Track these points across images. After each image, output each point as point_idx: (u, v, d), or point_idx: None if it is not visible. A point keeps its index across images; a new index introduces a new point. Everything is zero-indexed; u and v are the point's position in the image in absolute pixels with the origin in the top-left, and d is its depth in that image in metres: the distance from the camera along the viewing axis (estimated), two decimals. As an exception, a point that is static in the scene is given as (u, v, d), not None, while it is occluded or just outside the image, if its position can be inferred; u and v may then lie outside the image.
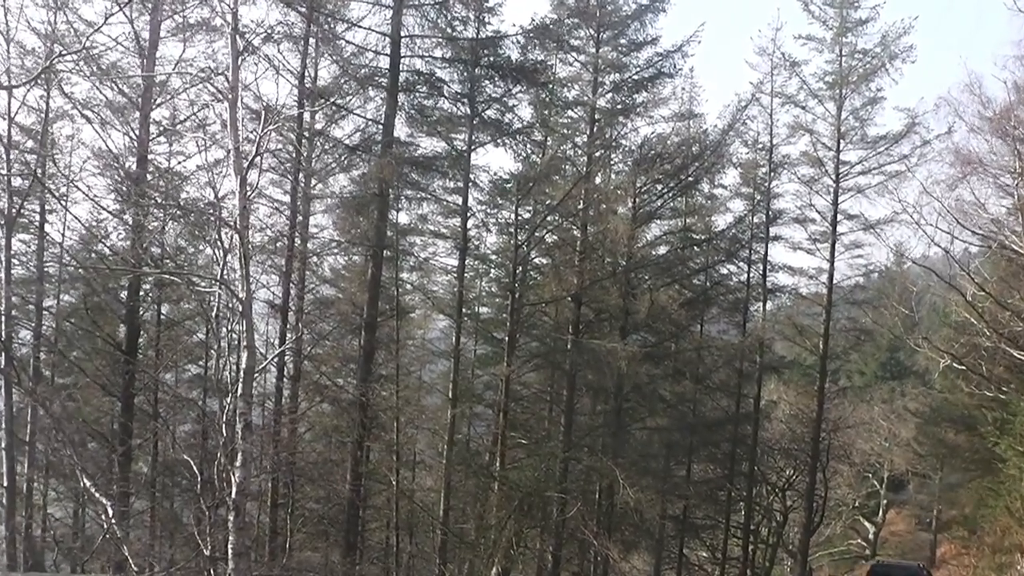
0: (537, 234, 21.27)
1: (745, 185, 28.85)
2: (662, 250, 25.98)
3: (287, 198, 20.17)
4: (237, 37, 10.63)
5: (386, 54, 17.61)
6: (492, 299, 27.28)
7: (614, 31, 21.89)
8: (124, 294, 18.91)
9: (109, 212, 18.87)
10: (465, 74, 18.98)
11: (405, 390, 22.73)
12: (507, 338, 20.49)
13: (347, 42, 18.16)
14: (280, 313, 19.43)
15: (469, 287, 24.49)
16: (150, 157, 17.92)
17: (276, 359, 17.70)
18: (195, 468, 11.61)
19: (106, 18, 13.00)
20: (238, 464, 9.87)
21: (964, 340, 23.49)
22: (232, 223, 10.28)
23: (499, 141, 20.11)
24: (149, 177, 17.80)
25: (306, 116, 18.48)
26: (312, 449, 20.67)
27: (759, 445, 29.10)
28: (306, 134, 19.05)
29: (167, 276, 16.42)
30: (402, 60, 17.63)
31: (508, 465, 21.06)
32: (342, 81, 18.39)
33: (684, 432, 26.07)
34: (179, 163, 20.55)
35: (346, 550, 18.56)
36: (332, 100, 18.39)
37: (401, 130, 18.96)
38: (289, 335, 19.06)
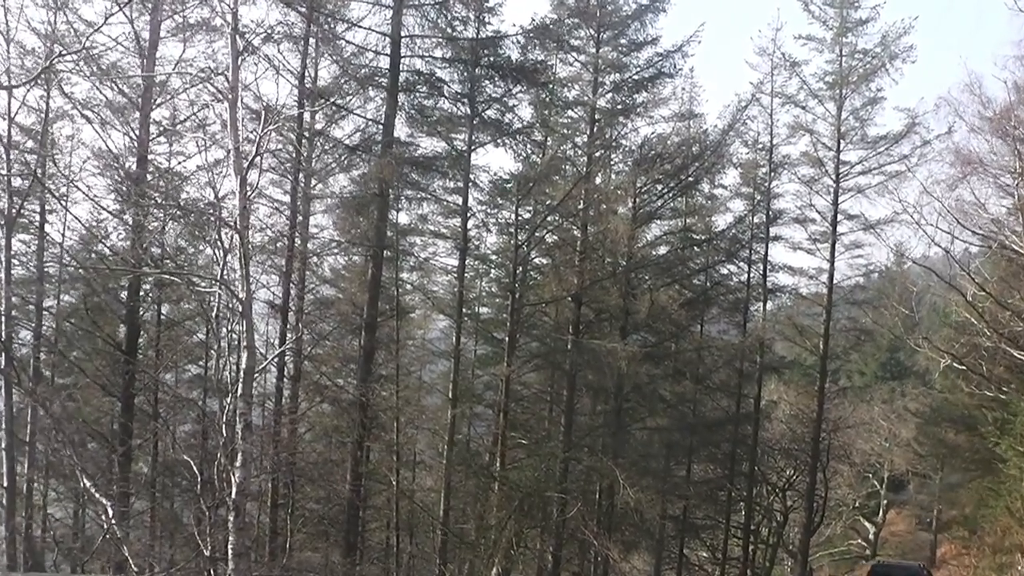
0: (537, 234, 21.27)
1: (745, 185, 28.86)
2: (662, 250, 25.99)
3: (287, 198, 20.18)
4: (237, 37, 10.63)
5: (386, 54, 17.61)
6: (492, 299, 27.29)
7: (614, 31, 21.88)
8: (124, 294, 18.90)
9: (109, 212, 18.87)
10: (465, 74, 18.97)
11: (405, 390, 22.73)
12: (507, 338, 20.49)
13: (347, 42, 18.16)
14: (280, 313, 19.42)
15: (469, 287, 24.48)
16: (150, 157, 17.92)
17: (276, 359, 17.69)
18: (195, 468, 11.60)
19: (106, 18, 13.00)
20: (238, 464, 9.86)
21: (964, 340, 23.48)
22: (232, 223, 10.27)
23: (499, 141, 20.10)
24: (149, 177, 17.79)
25: (306, 116, 18.47)
26: (312, 449, 20.66)
27: (759, 445, 29.10)
28: (306, 134, 19.04)
29: (167, 276, 16.42)
30: (402, 60, 17.63)
31: (508, 465, 21.06)
32: (342, 81, 18.39)
33: (684, 432, 26.07)
34: (179, 163, 20.58)
35: (346, 550, 18.55)
36: (332, 100, 18.39)
37: (401, 130, 18.99)
38: (289, 335, 19.05)
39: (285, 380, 19.39)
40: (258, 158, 10.66)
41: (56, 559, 18.84)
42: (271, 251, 19.54)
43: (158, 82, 16.44)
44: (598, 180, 23.08)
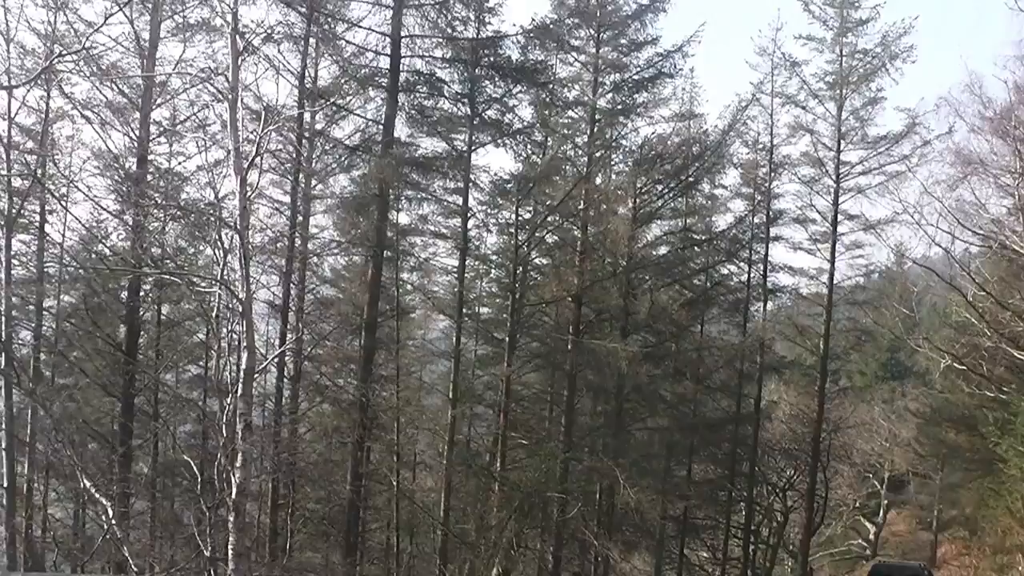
0: (537, 234, 21.26)
1: (745, 185, 28.84)
2: (662, 250, 25.97)
3: (287, 198, 20.17)
4: (237, 37, 10.64)
5: (386, 54, 17.60)
6: (492, 299, 27.26)
7: (614, 31, 21.86)
8: (124, 294, 18.92)
9: (109, 212, 18.89)
10: (465, 74, 18.95)
11: (405, 390, 22.71)
12: (507, 338, 20.48)
13: (347, 42, 18.14)
14: (280, 313, 19.41)
15: (469, 287, 24.46)
16: (150, 157, 17.93)
17: (276, 359, 17.68)
18: (195, 469, 11.63)
19: (106, 18, 13.03)
20: (238, 465, 9.87)
21: (965, 340, 23.47)
22: (232, 223, 10.28)
23: (499, 141, 20.08)
24: (149, 177, 17.82)
25: (306, 116, 18.47)
26: (312, 450, 20.65)
27: (760, 445, 29.08)
28: (306, 134, 19.04)
29: (167, 276, 16.42)
30: (402, 60, 17.61)
31: (509, 466, 21.06)
32: (342, 81, 18.36)
33: (685, 432, 26.06)
34: (179, 163, 20.57)
35: (346, 551, 18.54)
36: (332, 100, 18.36)
37: (401, 130, 18.96)
38: (289, 335, 19.04)
39: (285, 380, 19.38)
40: (258, 158, 10.67)
41: (56, 559, 18.84)
42: (271, 251, 19.52)
43: (158, 82, 16.45)
44: (598, 180, 23.07)
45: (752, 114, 26.66)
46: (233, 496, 9.79)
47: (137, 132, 16.65)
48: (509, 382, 20.68)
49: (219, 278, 10.48)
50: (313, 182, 20.27)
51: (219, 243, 10.55)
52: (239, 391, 10.02)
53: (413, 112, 19.03)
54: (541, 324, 23.43)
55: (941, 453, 35.56)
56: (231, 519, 9.88)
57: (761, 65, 26.92)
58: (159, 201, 16.97)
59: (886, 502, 41.79)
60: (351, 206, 19.74)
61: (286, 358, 19.04)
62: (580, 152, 22.28)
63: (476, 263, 24.28)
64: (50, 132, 18.24)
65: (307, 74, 18.39)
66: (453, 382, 20.80)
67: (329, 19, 18.04)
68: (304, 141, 18.97)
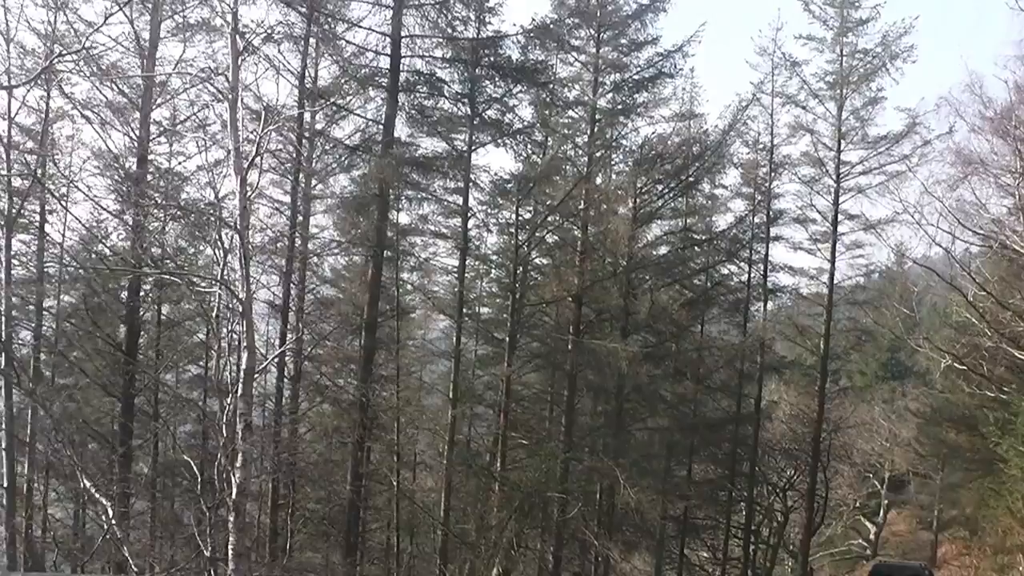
0: (538, 234, 21.26)
1: (746, 185, 28.84)
2: (663, 250, 25.97)
3: (287, 198, 20.17)
4: (237, 37, 10.63)
5: (386, 54, 17.59)
6: (493, 299, 27.26)
7: (614, 31, 21.85)
8: (124, 294, 18.91)
9: (109, 212, 18.88)
10: (465, 74, 18.94)
11: (406, 391, 22.70)
12: (508, 338, 20.47)
13: (347, 42, 18.13)
14: (280, 313, 19.41)
15: (470, 287, 24.46)
16: (150, 157, 17.93)
17: (276, 359, 17.67)
18: (195, 469, 11.63)
19: (106, 18, 13.02)
20: (238, 465, 9.86)
21: (965, 340, 23.46)
22: (232, 223, 10.28)
23: (500, 141, 20.08)
24: (149, 177, 17.81)
25: (306, 116, 18.46)
26: (313, 450, 20.64)
27: (760, 445, 29.07)
28: (306, 134, 19.03)
29: (167, 276, 16.41)
30: (402, 60, 17.60)
31: (509, 466, 21.05)
32: (342, 81, 18.36)
33: (685, 432, 26.06)
34: (179, 163, 20.57)
35: (347, 551, 18.54)
36: (332, 100, 18.36)
37: (401, 130, 18.95)
38: (289, 335, 19.04)
39: (285, 380, 19.38)
40: (258, 158, 10.67)
41: (56, 559, 18.83)
42: (271, 251, 19.52)
43: (158, 82, 16.44)
44: (598, 180, 23.07)
45: (752, 114, 26.72)
46: (233, 496, 9.79)
47: (137, 132, 16.64)
48: (509, 382, 20.67)
49: (219, 278, 10.48)
50: (313, 182, 20.27)
51: (219, 243, 10.55)
52: (239, 391, 10.02)
53: (413, 112, 19.03)
54: (541, 324, 23.43)
55: (941, 453, 35.55)
56: (231, 519, 9.87)
57: (761, 65, 26.97)
58: (159, 201, 16.97)
59: (886, 502, 41.77)
60: (351, 206, 19.73)
61: (286, 358, 19.04)
62: (580, 152, 22.27)
63: (476, 263, 24.28)
64: (50, 132, 18.24)
65: (307, 74, 18.40)
66: (453, 382, 20.80)
67: (329, 19, 18.04)
68: (304, 141, 18.97)
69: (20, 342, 19.02)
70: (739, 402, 28.53)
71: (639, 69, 22.10)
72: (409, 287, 25.06)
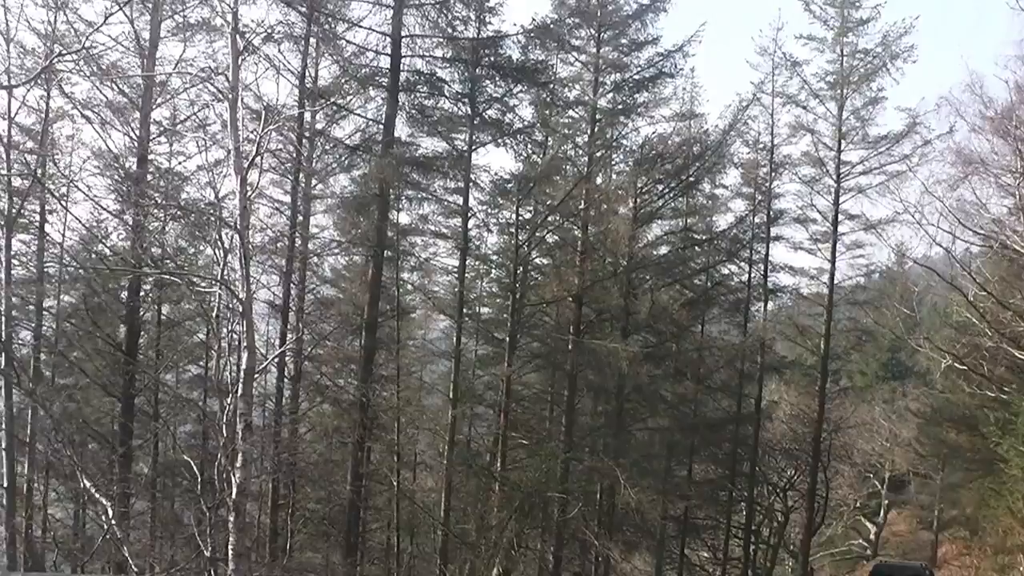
0: (538, 234, 21.25)
1: (746, 185, 28.83)
2: (663, 250, 25.95)
3: (287, 198, 20.17)
4: (237, 37, 10.63)
5: (387, 54, 17.58)
6: (493, 299, 27.25)
7: (615, 31, 21.85)
8: (124, 294, 18.90)
9: (109, 212, 18.87)
10: (466, 74, 18.93)
11: (406, 391, 22.69)
12: (508, 338, 20.46)
13: (348, 42, 18.13)
14: (280, 313, 19.40)
15: (470, 287, 24.45)
16: (150, 157, 17.92)
17: (276, 359, 17.67)
18: (195, 469, 11.62)
19: (106, 18, 12.99)
20: (238, 465, 9.85)
21: (965, 340, 23.45)
22: (232, 223, 10.27)
23: (500, 141, 20.07)
24: (149, 177, 17.81)
25: (306, 116, 18.46)
26: (313, 450, 20.63)
27: (760, 445, 29.06)
28: (306, 134, 19.02)
29: (167, 276, 16.40)
30: (403, 60, 17.60)
31: (509, 466, 21.04)
32: (343, 81, 18.35)
33: (685, 432, 26.04)
34: (179, 163, 20.57)
35: (347, 551, 18.53)
36: (332, 100, 18.35)
37: (402, 130, 18.94)
38: (289, 335, 19.03)
39: (285, 380, 19.37)
40: (258, 158, 10.66)
41: (56, 559, 18.83)
42: (271, 251, 19.52)
43: (158, 82, 16.44)
44: (599, 180, 23.07)
45: (753, 114, 26.73)
46: (233, 496, 9.78)
47: (137, 132, 16.64)
48: (509, 382, 20.66)
49: (219, 278, 10.47)
50: (313, 182, 20.26)
51: (219, 243, 10.55)
52: (239, 391, 10.01)
53: (413, 112, 19.02)
54: (542, 324, 23.42)
55: (942, 453, 35.55)
56: (231, 519, 9.87)
57: (762, 65, 26.97)
58: (159, 201, 16.96)
59: (887, 502, 41.77)
60: (351, 206, 19.72)
61: (286, 358, 19.03)
62: (581, 152, 22.27)
63: (476, 263, 24.27)
64: (50, 132, 18.23)
65: (307, 74, 18.39)
66: (453, 382, 20.79)
67: (329, 19, 18.03)
68: (304, 141, 18.96)
69: (20, 342, 19.01)
70: (739, 402, 28.53)
71: (639, 69, 22.10)
72: (409, 287, 25.06)
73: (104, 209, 18.84)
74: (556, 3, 21.26)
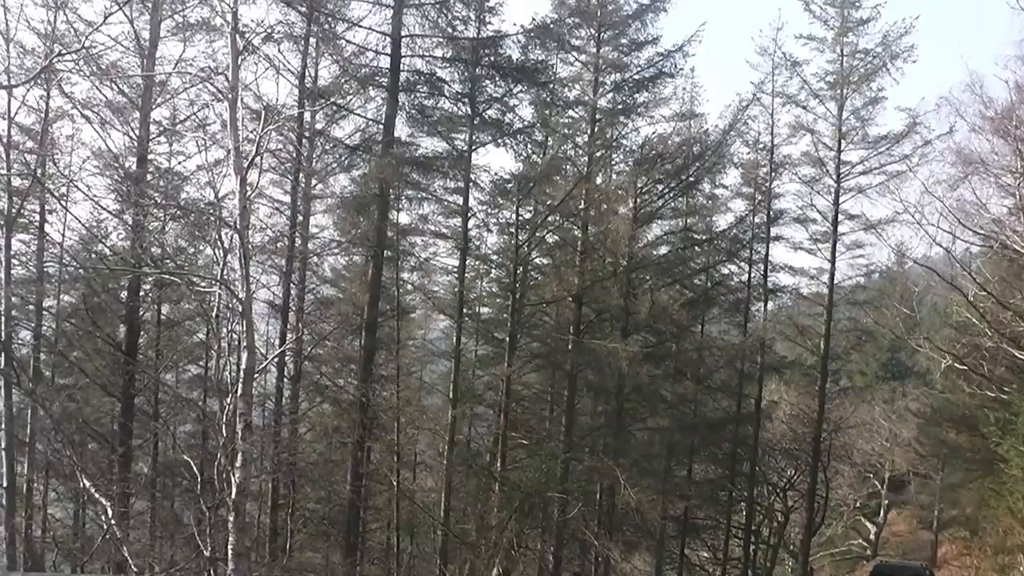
0: (538, 234, 21.24)
1: (746, 185, 28.83)
2: (663, 250, 25.96)
3: (287, 198, 20.16)
4: (237, 37, 10.62)
5: (387, 54, 17.57)
6: (493, 299, 27.25)
7: (615, 31, 21.84)
8: (124, 294, 18.90)
9: (109, 212, 18.87)
10: (466, 74, 18.93)
11: (406, 391, 22.68)
12: (508, 338, 20.46)
13: (347, 42, 18.12)
14: (280, 313, 19.39)
15: (470, 287, 24.44)
16: (150, 157, 17.93)
17: (276, 359, 17.67)
18: (195, 469, 11.62)
19: (105, 17, 12.97)
20: (238, 465, 9.85)
21: (966, 340, 23.46)
22: (232, 223, 10.27)
23: (500, 141, 20.06)
24: (149, 177, 17.81)
25: (306, 116, 18.45)
26: (313, 450, 20.63)
27: (760, 445, 29.06)
28: (306, 134, 19.02)
29: (167, 276, 16.41)
30: (403, 60, 17.59)
31: (509, 466, 21.04)
32: (342, 81, 18.34)
33: (685, 432, 26.04)
34: (179, 163, 20.57)
35: (347, 551, 18.53)
36: (332, 100, 18.35)
37: (402, 130, 18.94)
38: (289, 335, 19.03)
39: (285, 380, 19.37)
40: (258, 158, 10.66)
41: (56, 559, 18.83)
42: (271, 251, 19.51)
43: (158, 82, 16.44)
44: (599, 180, 23.06)
45: (753, 114, 26.73)
46: (233, 496, 9.78)
47: (137, 131, 16.64)
48: (509, 382, 20.66)
49: (219, 278, 10.47)
50: (313, 182, 20.25)
51: (219, 243, 10.55)
52: (239, 391, 10.01)
53: (413, 112, 19.01)
54: (541, 324, 23.42)
55: (942, 453, 35.55)
56: (231, 519, 9.86)
57: (762, 65, 26.97)
58: (159, 201, 16.97)
59: (887, 502, 41.77)
60: (351, 206, 19.72)
61: (286, 358, 19.03)
62: (580, 152, 22.26)
63: (476, 263, 24.27)
64: (50, 131, 18.23)
65: (307, 74, 18.38)
66: (453, 382, 20.78)
67: (329, 18, 18.02)
68: (304, 141, 18.95)
69: (20, 342, 19.01)
70: (739, 402, 28.52)
71: (639, 69, 22.10)
72: (409, 287, 25.05)
73: (104, 209, 18.86)
74: (556, 3, 21.26)
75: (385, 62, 17.65)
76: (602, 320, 23.03)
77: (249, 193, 10.31)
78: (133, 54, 16.31)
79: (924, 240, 23.64)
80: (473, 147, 19.75)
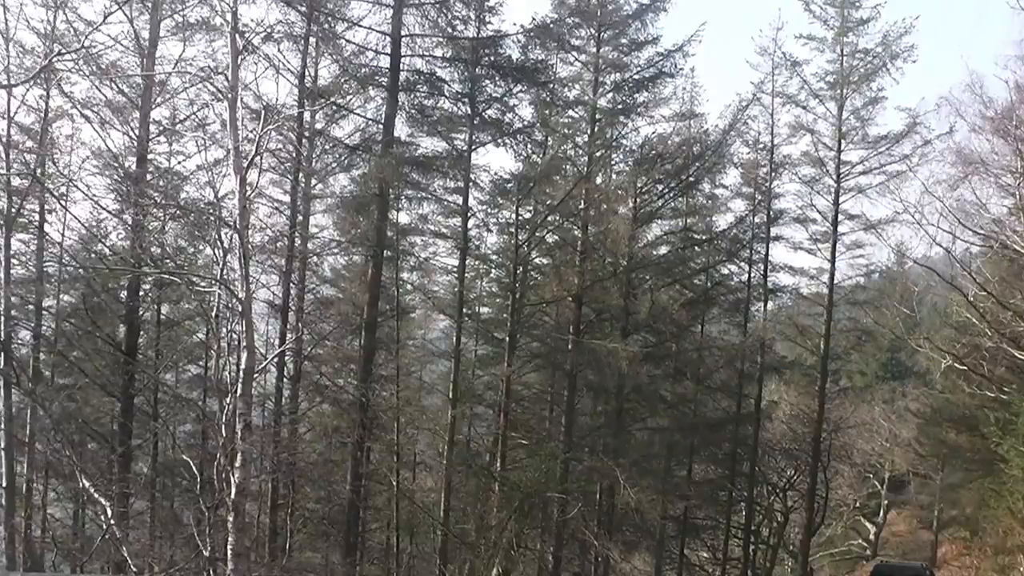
0: (538, 234, 21.24)
1: (746, 185, 28.83)
2: (663, 250, 25.96)
3: (287, 198, 20.13)
4: (237, 36, 10.62)
5: (386, 53, 17.57)
6: (493, 299, 27.25)
7: (615, 30, 21.84)
8: (124, 294, 18.89)
9: (109, 212, 18.84)
10: (466, 74, 18.92)
11: (405, 390, 22.68)
12: (508, 338, 20.46)
13: (347, 41, 18.11)
14: (280, 313, 19.38)
15: (470, 287, 24.44)
16: (150, 157, 17.92)
17: (276, 359, 17.66)
18: (195, 468, 11.62)
19: (105, 17, 12.99)
20: (238, 465, 9.85)
21: (965, 340, 23.46)
22: (232, 223, 10.26)
23: (500, 141, 20.05)
24: (149, 177, 17.80)
25: (306, 116, 18.44)
26: (312, 450, 20.63)
27: (760, 445, 29.06)
28: (306, 134, 19.01)
29: (167, 276, 16.39)
30: (402, 59, 17.59)
31: (509, 466, 21.03)
32: (342, 81, 18.33)
33: (685, 432, 26.04)
34: (179, 163, 20.54)
35: (346, 551, 18.52)
36: (332, 100, 18.34)
37: (401, 130, 18.93)
38: (289, 335, 19.02)
39: (285, 380, 19.36)
40: (258, 158, 10.66)
41: (55, 559, 18.82)
42: (271, 251, 19.48)
43: (158, 81, 16.43)
44: (599, 180, 23.06)
45: (753, 114, 26.73)
46: (233, 496, 9.77)
47: (137, 131, 16.63)
48: (509, 382, 20.66)
49: (219, 278, 10.46)
50: (313, 181, 20.23)
51: (219, 243, 10.54)
52: (239, 391, 10.00)
53: (413, 111, 19.01)
54: (541, 324, 23.42)
55: (942, 453, 35.56)
56: (231, 519, 9.86)
57: (762, 65, 26.97)
58: (159, 201, 16.95)
59: (886, 502, 41.77)
60: (351, 206, 19.71)
61: (286, 358, 19.02)
62: (580, 152, 22.26)
63: (476, 263, 24.26)
64: (49, 131, 18.19)
65: (307, 73, 18.37)
66: (453, 382, 20.78)
67: (329, 18, 18.02)
68: (304, 140, 18.94)
69: (20, 342, 18.99)
70: (739, 402, 28.52)
71: (639, 69, 22.09)
72: (409, 287, 25.05)
73: (103, 209, 18.83)
74: (556, 3, 21.25)
75: (385, 62, 17.65)
76: (602, 320, 23.03)
77: (249, 193, 10.30)
78: (133, 54, 16.31)
79: (924, 240, 23.69)
80: (473, 147, 19.76)
